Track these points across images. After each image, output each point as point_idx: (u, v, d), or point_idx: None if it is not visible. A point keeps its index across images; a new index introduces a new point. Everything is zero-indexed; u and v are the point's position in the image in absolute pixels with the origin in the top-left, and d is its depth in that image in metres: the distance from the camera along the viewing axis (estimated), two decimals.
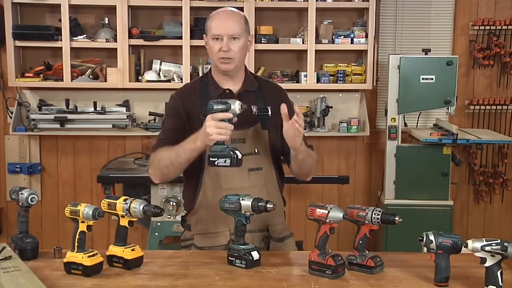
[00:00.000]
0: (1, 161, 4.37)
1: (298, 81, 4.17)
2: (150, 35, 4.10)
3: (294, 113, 1.98)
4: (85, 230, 1.86)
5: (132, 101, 4.28)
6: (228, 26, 2.13)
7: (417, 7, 4.39)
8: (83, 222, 1.86)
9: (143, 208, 1.87)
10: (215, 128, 1.91)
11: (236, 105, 1.93)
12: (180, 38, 4.04)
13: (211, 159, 1.94)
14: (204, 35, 2.22)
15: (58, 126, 4.08)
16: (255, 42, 4.04)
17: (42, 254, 2.03)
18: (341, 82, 4.17)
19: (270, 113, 2.21)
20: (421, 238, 1.77)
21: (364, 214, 1.84)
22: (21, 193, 2.01)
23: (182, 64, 4.09)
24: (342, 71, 4.16)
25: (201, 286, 1.76)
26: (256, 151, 2.18)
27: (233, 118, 1.93)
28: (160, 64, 4.24)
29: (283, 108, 2.01)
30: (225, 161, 1.92)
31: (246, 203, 1.90)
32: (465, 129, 4.21)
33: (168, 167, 2.12)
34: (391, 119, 3.99)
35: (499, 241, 1.67)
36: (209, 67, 4.04)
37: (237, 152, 1.93)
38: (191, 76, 4.04)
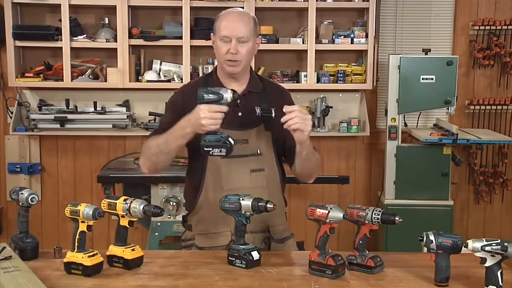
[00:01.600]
0: (1, 161, 4.37)
1: (298, 81, 4.17)
2: (150, 35, 4.10)
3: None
4: (85, 230, 1.86)
5: (132, 101, 4.28)
6: (237, 28, 2.12)
7: (417, 7, 4.39)
8: (83, 222, 1.86)
9: (143, 208, 1.87)
10: (210, 119, 1.91)
11: (228, 94, 1.93)
12: (180, 38, 4.04)
13: (205, 148, 1.95)
14: (212, 34, 2.21)
15: (58, 126, 4.08)
16: None
17: (42, 254, 2.03)
18: (341, 82, 4.17)
19: (273, 114, 2.21)
20: (421, 238, 1.77)
21: (364, 214, 1.84)
22: (21, 193, 2.01)
23: (182, 64, 4.09)
24: (342, 71, 4.16)
25: (202, 286, 1.76)
26: (259, 152, 2.18)
27: (227, 108, 1.94)
28: (160, 64, 4.24)
29: (285, 108, 2.01)
30: (220, 151, 1.94)
31: (246, 203, 1.90)
32: (465, 129, 4.21)
33: (157, 155, 2.12)
34: (391, 119, 3.99)
35: (499, 241, 1.67)
36: (209, 67, 4.09)
37: (230, 139, 1.95)
38: (191, 76, 4.04)
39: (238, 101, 2.19)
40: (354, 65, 4.22)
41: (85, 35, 4.09)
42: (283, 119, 1.98)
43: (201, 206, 2.20)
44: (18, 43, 4.04)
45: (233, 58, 2.12)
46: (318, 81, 4.14)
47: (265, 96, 2.25)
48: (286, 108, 1.98)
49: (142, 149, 2.20)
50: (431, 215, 3.92)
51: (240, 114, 2.17)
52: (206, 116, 1.91)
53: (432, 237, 1.75)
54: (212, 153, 1.94)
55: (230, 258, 1.93)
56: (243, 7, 3.91)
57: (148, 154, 2.16)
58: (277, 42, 4.13)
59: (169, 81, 4.14)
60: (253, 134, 2.17)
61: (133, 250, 1.90)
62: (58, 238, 4.34)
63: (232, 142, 1.95)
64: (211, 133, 1.94)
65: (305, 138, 2.02)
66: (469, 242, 1.70)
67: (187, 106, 2.18)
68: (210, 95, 1.93)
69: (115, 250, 1.90)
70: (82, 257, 1.82)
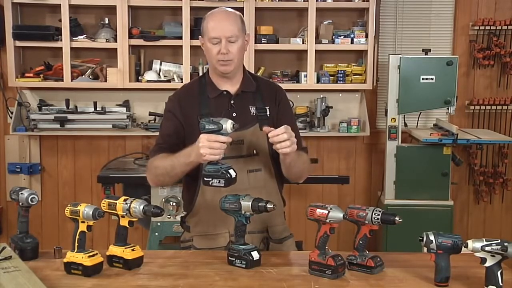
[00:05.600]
0: (1, 161, 4.37)
1: (298, 81, 4.17)
2: (150, 35, 4.10)
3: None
4: (85, 230, 1.87)
5: (132, 101, 4.28)
6: (225, 28, 2.11)
7: (417, 7, 4.39)
8: (83, 222, 1.86)
9: (143, 208, 1.87)
10: (209, 148, 1.91)
11: (228, 125, 1.92)
12: (180, 38, 4.04)
13: (205, 179, 1.95)
14: (200, 36, 2.21)
15: (58, 126, 4.08)
16: (255, 42, 4.04)
17: (42, 254, 2.03)
18: (341, 82, 4.17)
19: (268, 113, 2.21)
20: (421, 238, 1.77)
21: (364, 214, 1.84)
22: (21, 193, 2.01)
23: (182, 64, 4.09)
24: (342, 71, 4.16)
25: (201, 286, 1.76)
26: (255, 152, 2.17)
27: (227, 138, 1.93)
28: (160, 64, 4.24)
29: (265, 129, 2.00)
30: (219, 182, 1.93)
31: (246, 203, 1.90)
32: (465, 129, 4.21)
33: (163, 175, 2.15)
34: (391, 119, 3.99)
35: (499, 241, 1.67)
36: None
37: (231, 171, 1.93)
38: (191, 76, 4.03)
39: (232, 101, 2.20)
40: (354, 65, 4.22)
41: (85, 35, 4.09)
42: (271, 140, 1.96)
43: (199, 208, 2.20)
44: (18, 43, 4.04)
45: (224, 58, 2.12)
46: (318, 81, 4.14)
47: (260, 95, 2.24)
48: (272, 133, 1.96)
49: (148, 166, 2.21)
50: (431, 215, 3.92)
51: (234, 114, 2.16)
52: (205, 145, 1.91)
53: (432, 237, 1.75)
54: (212, 183, 1.93)
55: (230, 258, 1.93)
56: (243, 7, 3.92)
57: (154, 173, 2.18)
58: (277, 42, 4.13)
59: (169, 81, 4.14)
60: (248, 134, 2.17)
61: (133, 250, 1.90)
62: (58, 238, 4.34)
63: (233, 174, 1.93)
64: (212, 163, 1.93)
65: (286, 154, 2.01)
66: (469, 242, 1.70)
67: (185, 110, 2.18)
68: (210, 125, 1.93)
69: (115, 250, 1.90)
70: (82, 257, 1.82)
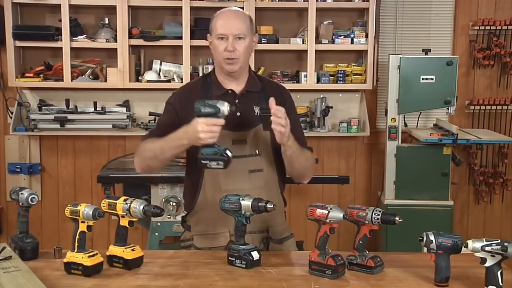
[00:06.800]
0: (1, 161, 4.37)
1: (298, 81, 4.17)
2: (150, 35, 4.10)
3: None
4: (85, 230, 1.86)
5: (132, 101, 4.28)
6: (233, 26, 2.12)
7: (417, 7, 4.39)
8: (83, 222, 1.86)
9: (143, 208, 1.87)
10: (208, 132, 1.91)
11: (224, 107, 1.92)
12: (180, 38, 4.04)
13: (202, 161, 1.95)
14: (208, 34, 2.21)
15: (58, 126, 4.08)
16: None
17: (42, 254, 2.03)
18: (341, 82, 4.17)
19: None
20: (421, 238, 1.77)
21: (364, 214, 1.84)
22: (21, 193, 2.01)
23: (182, 64, 4.09)
24: (342, 71, 4.16)
25: (202, 286, 1.76)
26: (257, 152, 2.17)
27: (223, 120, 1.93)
28: (160, 64, 4.24)
29: (271, 101, 1.97)
30: (217, 164, 1.93)
31: (246, 203, 1.90)
32: (465, 129, 4.21)
33: (152, 159, 2.14)
34: (391, 119, 3.99)
35: (499, 241, 1.67)
36: (209, 67, 4.08)
37: (228, 152, 1.93)
38: (191, 76, 4.04)
39: (237, 101, 2.20)
40: (354, 65, 4.22)
41: (85, 35, 4.09)
42: (273, 118, 1.95)
43: (199, 207, 2.20)
44: (18, 43, 4.04)
45: (231, 56, 2.12)
46: (318, 81, 4.14)
47: (264, 95, 2.23)
48: (274, 108, 1.94)
49: (138, 149, 2.21)
50: (431, 215, 3.92)
51: (238, 114, 2.16)
52: (204, 130, 1.91)
53: (432, 237, 1.75)
54: (210, 166, 1.94)
55: (230, 258, 1.93)
56: (243, 7, 3.92)
57: (142, 156, 2.17)
58: (277, 42, 4.13)
59: (169, 81, 4.14)
60: (251, 134, 2.16)
61: (133, 250, 1.90)
62: (58, 238, 4.34)
63: (230, 154, 1.93)
64: (208, 146, 1.93)
65: (284, 140, 2.01)
66: (469, 242, 1.70)
67: (183, 109, 2.18)
68: (207, 108, 1.92)
69: (115, 250, 1.90)
70: (82, 257, 1.82)
